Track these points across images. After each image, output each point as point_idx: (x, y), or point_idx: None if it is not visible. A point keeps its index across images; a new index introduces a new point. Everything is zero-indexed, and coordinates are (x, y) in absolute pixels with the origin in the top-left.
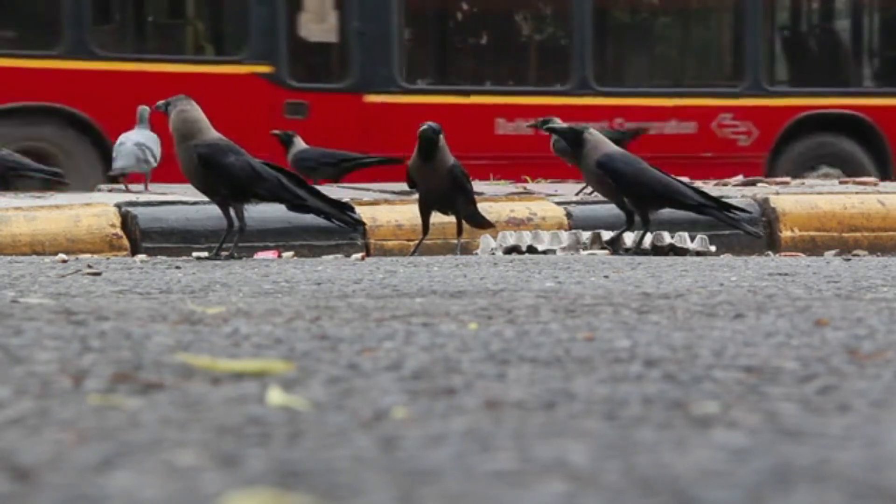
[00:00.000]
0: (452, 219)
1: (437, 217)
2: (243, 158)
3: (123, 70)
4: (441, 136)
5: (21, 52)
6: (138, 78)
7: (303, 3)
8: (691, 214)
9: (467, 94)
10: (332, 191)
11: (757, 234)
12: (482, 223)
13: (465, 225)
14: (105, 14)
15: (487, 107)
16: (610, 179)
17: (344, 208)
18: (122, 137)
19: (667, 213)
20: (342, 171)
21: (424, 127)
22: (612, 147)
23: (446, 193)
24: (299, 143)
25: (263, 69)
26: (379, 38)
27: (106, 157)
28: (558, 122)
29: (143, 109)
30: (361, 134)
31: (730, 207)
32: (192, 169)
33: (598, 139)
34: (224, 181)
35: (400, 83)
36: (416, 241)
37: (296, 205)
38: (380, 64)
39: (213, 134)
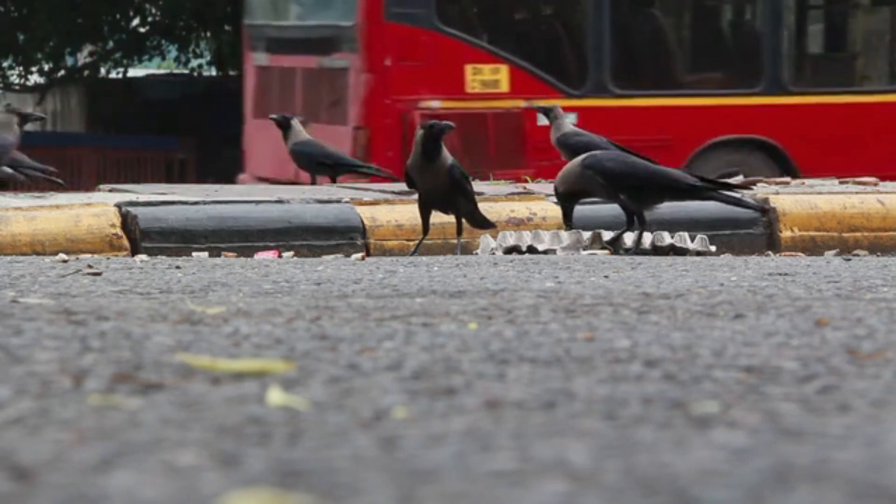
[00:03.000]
0: (453, 218)
1: (437, 217)
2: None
3: (809, 103)
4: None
5: (728, 91)
6: (819, 109)
7: None
8: (691, 214)
9: None
10: (331, 190)
11: (760, 207)
12: (483, 223)
13: (465, 225)
14: (796, 54)
15: None
16: (601, 179)
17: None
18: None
19: (667, 213)
20: (338, 173)
21: (430, 125)
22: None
23: (446, 193)
24: (299, 133)
25: None
26: None
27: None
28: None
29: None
30: None
31: (729, 186)
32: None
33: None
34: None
35: None
36: (416, 241)
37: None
38: None
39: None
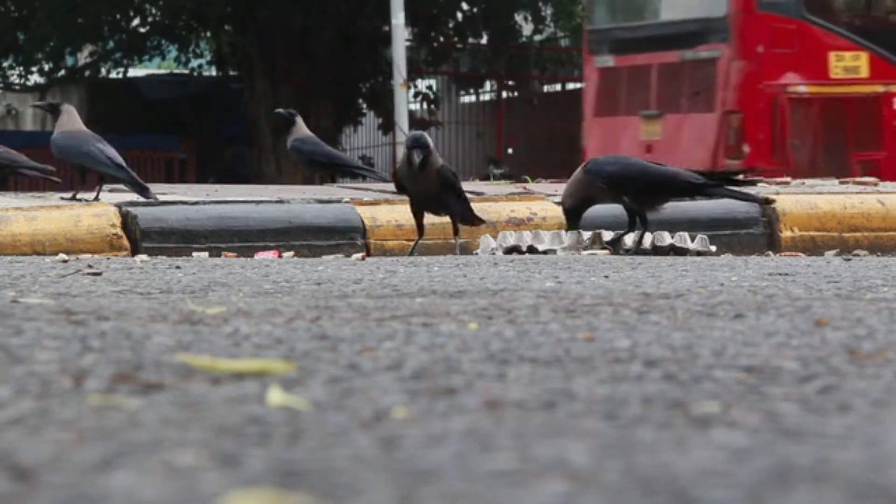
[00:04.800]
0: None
1: (438, 217)
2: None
3: None
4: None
5: None
6: None
7: None
8: (691, 214)
9: None
10: (331, 190)
11: (764, 199)
12: (474, 220)
13: (462, 223)
14: None
15: None
16: (602, 184)
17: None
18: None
19: (667, 213)
20: (334, 171)
21: (415, 155)
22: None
23: (437, 195)
24: (300, 130)
25: None
26: None
27: None
28: None
29: None
30: None
31: (733, 182)
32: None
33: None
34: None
35: None
36: (413, 243)
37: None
38: None
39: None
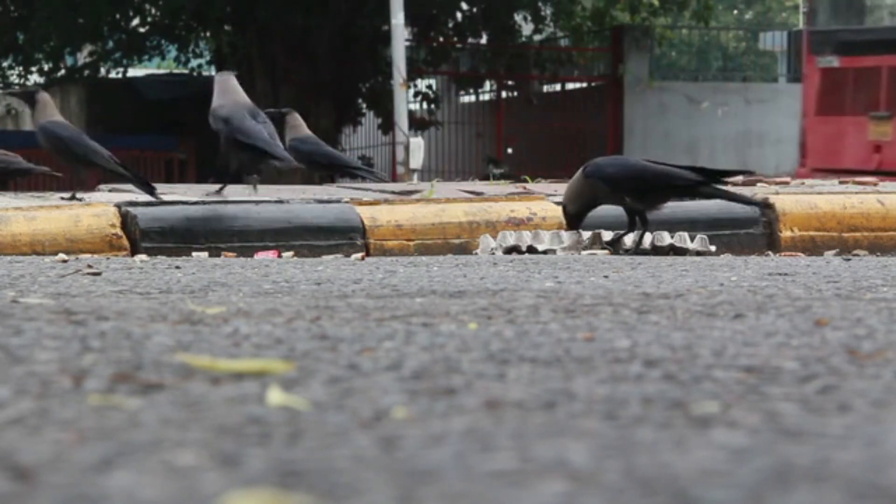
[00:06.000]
0: (452, 219)
1: (437, 217)
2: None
3: None
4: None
5: None
6: None
7: None
8: (691, 214)
9: None
10: (331, 190)
11: (760, 203)
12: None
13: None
14: None
15: None
16: (602, 185)
17: None
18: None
19: (667, 213)
20: (333, 172)
21: None
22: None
23: None
24: (299, 129)
25: None
26: None
27: None
28: None
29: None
30: None
31: (728, 179)
32: None
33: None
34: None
35: None
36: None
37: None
38: None
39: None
